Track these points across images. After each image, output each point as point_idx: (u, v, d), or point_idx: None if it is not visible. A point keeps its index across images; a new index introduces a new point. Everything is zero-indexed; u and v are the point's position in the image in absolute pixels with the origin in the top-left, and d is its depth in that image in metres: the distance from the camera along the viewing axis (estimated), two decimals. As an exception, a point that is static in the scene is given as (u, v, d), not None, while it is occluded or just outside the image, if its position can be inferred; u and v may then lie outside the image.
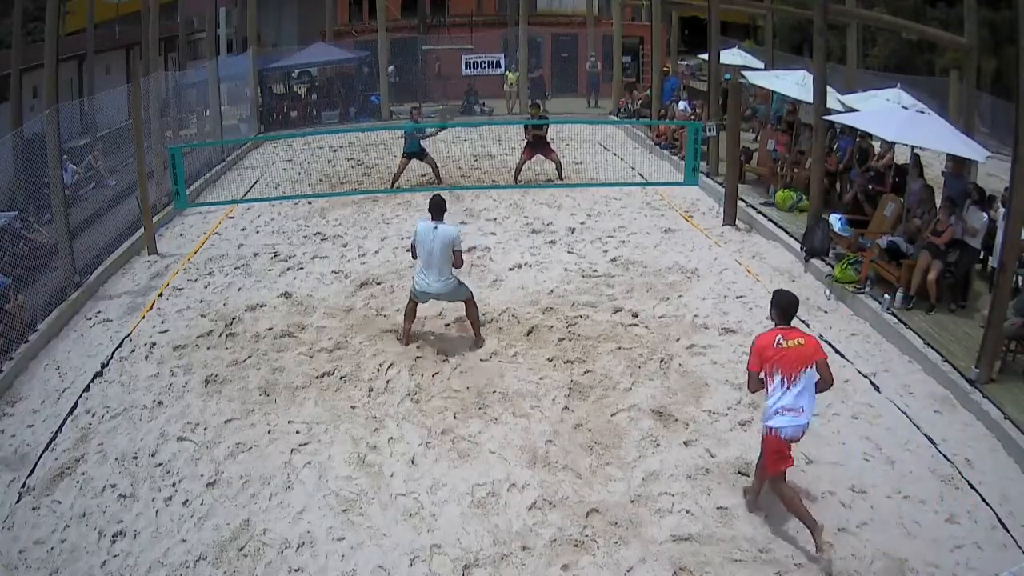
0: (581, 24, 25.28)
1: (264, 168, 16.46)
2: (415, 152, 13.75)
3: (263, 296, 9.13)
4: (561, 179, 13.84)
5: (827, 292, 8.99)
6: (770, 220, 11.42)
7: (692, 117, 15.47)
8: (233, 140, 17.71)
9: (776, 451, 4.96)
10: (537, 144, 13.83)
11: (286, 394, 6.93)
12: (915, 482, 5.61)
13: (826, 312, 8.56)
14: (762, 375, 4.96)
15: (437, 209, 7.23)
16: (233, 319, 8.50)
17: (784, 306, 5.09)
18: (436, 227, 7.14)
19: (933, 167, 11.53)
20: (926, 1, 25.03)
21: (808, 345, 4.96)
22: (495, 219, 11.97)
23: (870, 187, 10.57)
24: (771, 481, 5.09)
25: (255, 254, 10.70)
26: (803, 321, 8.26)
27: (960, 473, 5.73)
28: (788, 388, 4.87)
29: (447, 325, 8.13)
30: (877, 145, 11.28)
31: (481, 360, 7.37)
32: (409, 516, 5.33)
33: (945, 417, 6.50)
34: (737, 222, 11.59)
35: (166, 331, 8.33)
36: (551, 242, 10.80)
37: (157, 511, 5.45)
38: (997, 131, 14.76)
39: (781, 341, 4.92)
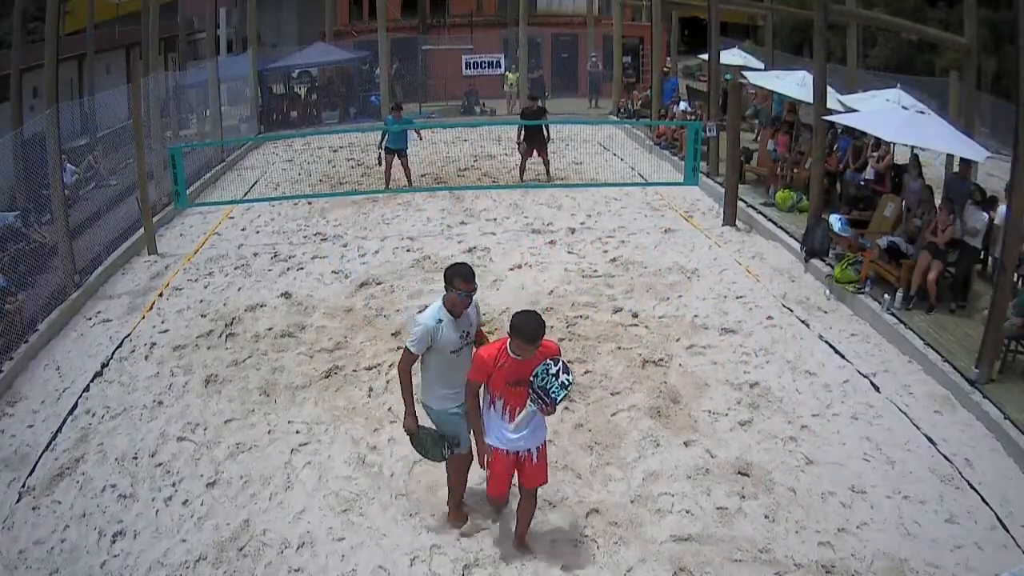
0: (581, 24, 25.30)
1: (264, 168, 16.45)
2: (397, 149, 13.65)
3: (263, 296, 9.13)
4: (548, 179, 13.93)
5: (827, 292, 8.98)
6: (770, 220, 11.41)
7: (691, 117, 15.47)
8: (233, 140, 17.70)
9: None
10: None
11: (286, 394, 6.93)
12: (915, 482, 5.60)
13: (826, 312, 8.55)
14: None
15: None
16: (233, 319, 8.50)
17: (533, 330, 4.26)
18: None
19: (934, 167, 11.51)
20: (926, 1, 25.07)
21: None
22: (495, 219, 11.97)
23: (863, 187, 10.57)
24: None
25: (255, 254, 10.70)
26: (803, 322, 8.27)
27: (960, 473, 5.72)
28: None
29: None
30: (872, 145, 11.26)
31: (481, 360, 7.36)
32: (409, 516, 5.33)
33: (945, 417, 6.49)
34: (737, 222, 11.59)
35: (166, 331, 8.33)
36: (551, 242, 10.81)
37: (157, 511, 5.45)
38: (997, 131, 14.75)
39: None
